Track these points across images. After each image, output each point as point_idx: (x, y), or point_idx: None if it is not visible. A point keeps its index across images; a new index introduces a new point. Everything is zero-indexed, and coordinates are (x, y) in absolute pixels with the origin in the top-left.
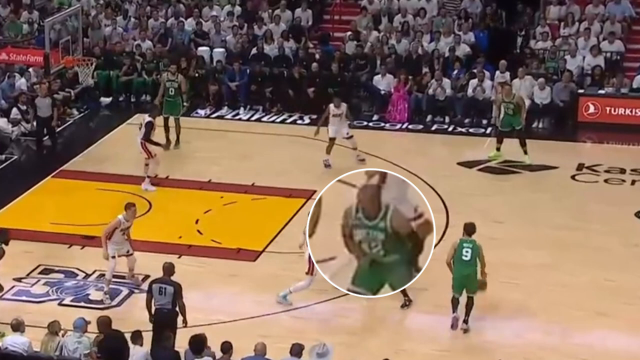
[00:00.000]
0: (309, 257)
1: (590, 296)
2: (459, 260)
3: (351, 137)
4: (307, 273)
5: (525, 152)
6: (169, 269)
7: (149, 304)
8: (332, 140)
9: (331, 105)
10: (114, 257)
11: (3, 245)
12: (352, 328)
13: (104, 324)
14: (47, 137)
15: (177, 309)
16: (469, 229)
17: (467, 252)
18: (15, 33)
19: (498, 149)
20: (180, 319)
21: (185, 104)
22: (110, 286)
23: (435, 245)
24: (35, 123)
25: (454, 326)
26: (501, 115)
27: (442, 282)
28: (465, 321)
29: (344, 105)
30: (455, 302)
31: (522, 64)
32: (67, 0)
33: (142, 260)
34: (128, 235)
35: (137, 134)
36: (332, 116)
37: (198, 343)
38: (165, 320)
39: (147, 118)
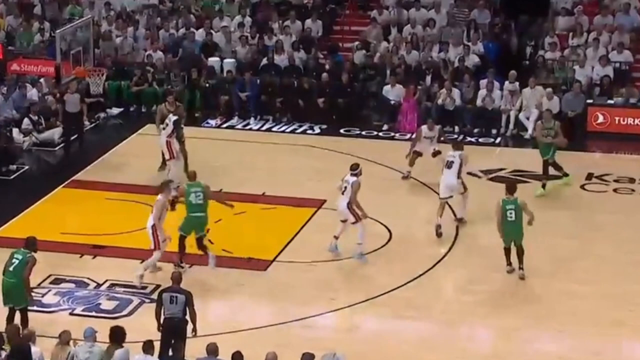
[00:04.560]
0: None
1: (600, 305)
2: (505, 221)
3: (439, 152)
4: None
5: (544, 186)
6: (178, 277)
7: (158, 314)
8: (416, 153)
9: (423, 127)
10: (164, 241)
11: (33, 254)
12: (363, 338)
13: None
14: (75, 136)
15: (188, 317)
16: (511, 188)
17: (511, 213)
18: (28, 42)
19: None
20: (189, 328)
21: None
22: (121, 296)
23: (446, 254)
24: (62, 119)
25: (510, 272)
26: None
27: (451, 291)
28: (521, 268)
29: (436, 128)
30: (507, 252)
31: (531, 74)
32: (78, 11)
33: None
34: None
35: (162, 133)
36: (423, 137)
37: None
38: (175, 330)
39: (172, 117)
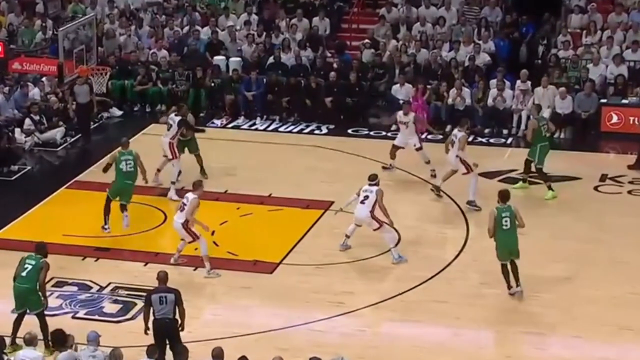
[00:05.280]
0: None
1: (613, 309)
2: (500, 230)
3: (420, 149)
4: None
5: (549, 187)
6: (164, 277)
7: (147, 315)
8: (394, 146)
9: (399, 112)
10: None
11: (45, 259)
12: (370, 342)
13: None
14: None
15: (178, 315)
16: (504, 195)
17: (506, 221)
18: (29, 40)
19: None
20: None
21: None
22: (124, 299)
23: (455, 257)
24: (73, 111)
25: (514, 294)
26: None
27: (461, 295)
28: (518, 285)
29: (412, 114)
30: (506, 271)
31: (543, 73)
32: (80, 9)
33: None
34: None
35: (166, 134)
36: (399, 122)
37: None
38: (167, 331)
39: (175, 117)
